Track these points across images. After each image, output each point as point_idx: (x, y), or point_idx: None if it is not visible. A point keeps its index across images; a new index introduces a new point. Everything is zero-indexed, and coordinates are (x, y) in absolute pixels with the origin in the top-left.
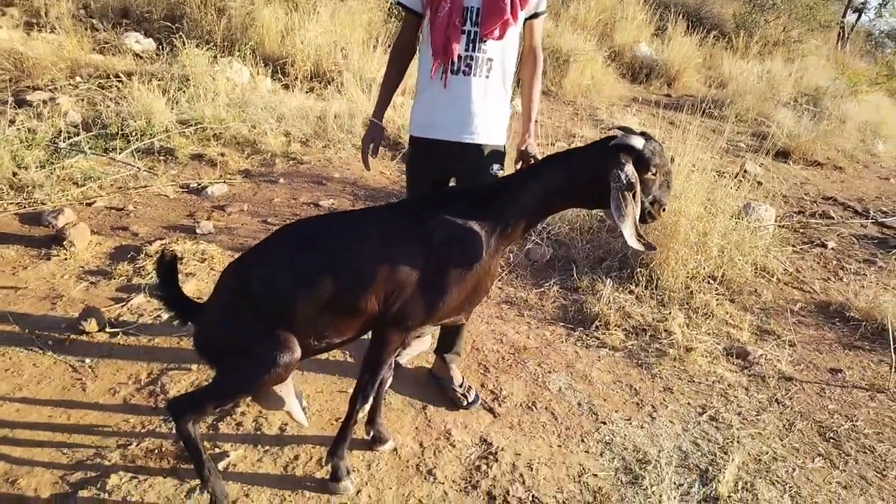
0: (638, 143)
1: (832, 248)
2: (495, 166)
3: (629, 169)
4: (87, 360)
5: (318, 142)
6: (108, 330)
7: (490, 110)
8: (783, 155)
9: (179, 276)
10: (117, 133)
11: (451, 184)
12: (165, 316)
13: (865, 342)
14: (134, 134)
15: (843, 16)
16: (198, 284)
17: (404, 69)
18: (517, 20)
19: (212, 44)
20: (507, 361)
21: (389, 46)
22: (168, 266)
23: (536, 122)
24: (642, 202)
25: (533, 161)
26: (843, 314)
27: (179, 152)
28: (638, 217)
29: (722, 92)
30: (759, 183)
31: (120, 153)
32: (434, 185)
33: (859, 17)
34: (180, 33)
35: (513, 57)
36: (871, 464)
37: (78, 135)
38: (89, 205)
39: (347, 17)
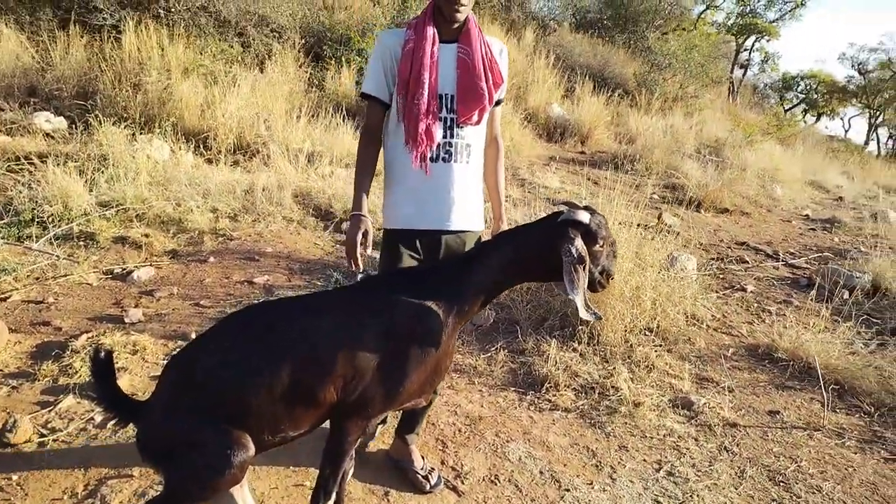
0: (585, 217)
1: (751, 291)
2: None
3: (579, 243)
4: (15, 476)
5: (247, 216)
6: (35, 439)
7: (472, 196)
8: (695, 204)
9: None
10: (32, 219)
11: None
12: (100, 418)
13: (795, 381)
14: (51, 219)
15: (731, 71)
16: (131, 380)
17: (377, 156)
18: (492, 104)
19: (129, 120)
20: (465, 434)
21: (313, 116)
22: (103, 362)
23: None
24: (591, 273)
25: None
26: (771, 355)
27: (101, 236)
28: (587, 287)
29: (632, 147)
30: (677, 233)
31: (36, 241)
32: None
33: (745, 72)
34: (95, 111)
35: (483, 141)
36: (821, 503)
37: None
38: (4, 300)
39: (268, 89)
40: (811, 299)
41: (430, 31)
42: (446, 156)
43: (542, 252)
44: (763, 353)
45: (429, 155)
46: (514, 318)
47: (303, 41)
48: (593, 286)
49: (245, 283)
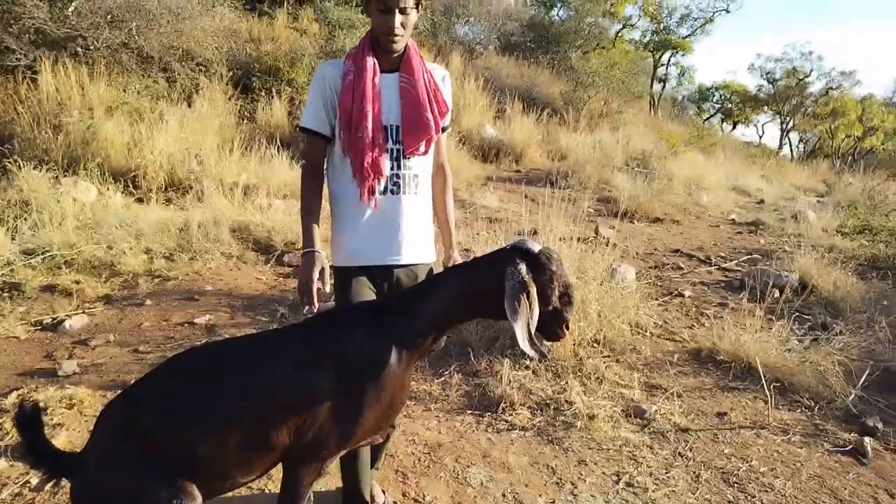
0: (534, 246)
1: (689, 296)
2: None
3: (522, 268)
4: None
5: (183, 255)
6: None
7: (422, 228)
8: (628, 215)
9: (46, 427)
10: None
11: None
12: (36, 481)
13: (738, 382)
14: None
15: (651, 86)
16: (69, 436)
17: (321, 190)
18: (438, 133)
19: (51, 163)
20: (424, 463)
21: (246, 148)
22: (29, 417)
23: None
24: (542, 311)
25: None
26: (713, 358)
27: (27, 286)
28: (534, 324)
29: (564, 164)
30: (614, 245)
31: None
32: None
33: (664, 86)
34: (13, 155)
35: (431, 170)
36: (775, 500)
37: None
38: None
39: (198, 124)
40: (745, 300)
41: (370, 61)
42: (394, 188)
43: (490, 282)
44: (706, 357)
45: (377, 188)
46: (465, 340)
47: (230, 73)
48: (546, 330)
49: (186, 325)
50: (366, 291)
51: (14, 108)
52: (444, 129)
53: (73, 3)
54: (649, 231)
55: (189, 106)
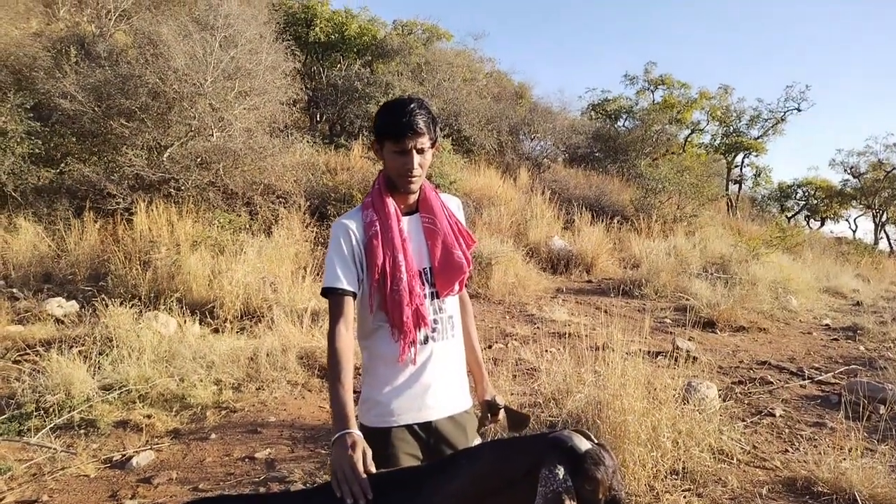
0: (581, 444)
1: (780, 416)
2: (476, 440)
3: (560, 473)
4: None
5: (251, 385)
6: None
7: (460, 373)
8: (709, 325)
9: None
10: (33, 411)
11: None
12: None
13: None
14: (53, 409)
15: (727, 188)
16: None
17: (353, 358)
18: (470, 268)
19: (136, 298)
20: None
21: (318, 274)
22: None
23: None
24: None
25: (503, 410)
26: (811, 489)
27: (101, 421)
28: None
29: (637, 272)
30: (694, 358)
31: (35, 434)
32: None
33: (740, 187)
34: (105, 292)
35: (458, 307)
36: None
37: None
38: None
39: (274, 252)
40: (845, 418)
41: (391, 205)
42: (434, 334)
43: (523, 470)
44: (802, 487)
45: (417, 339)
46: None
47: (308, 203)
48: None
49: (246, 460)
50: (399, 458)
51: (110, 247)
52: None
53: (168, 150)
54: (733, 341)
55: (268, 236)
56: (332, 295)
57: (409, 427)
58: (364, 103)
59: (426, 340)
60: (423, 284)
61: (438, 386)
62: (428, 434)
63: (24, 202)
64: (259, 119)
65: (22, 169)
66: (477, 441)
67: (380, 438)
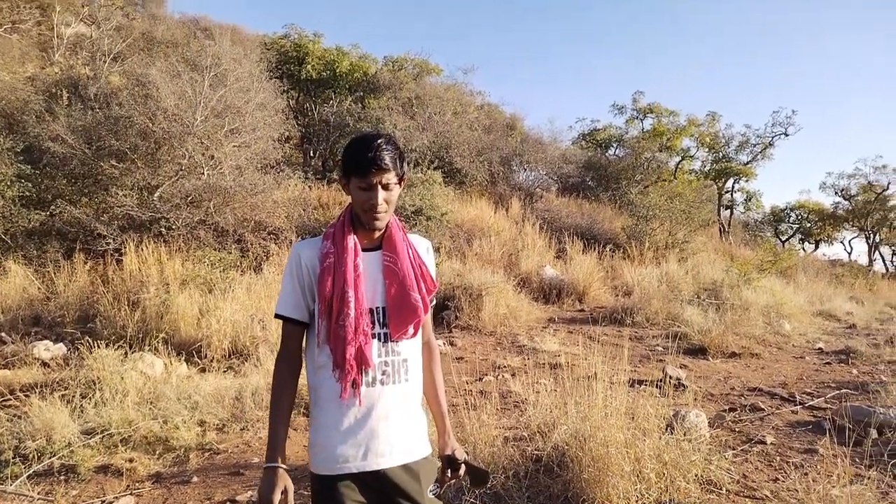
0: None
1: (771, 443)
2: (432, 488)
3: None
4: None
5: (235, 425)
6: None
7: (415, 419)
8: (701, 351)
9: None
10: (13, 458)
11: None
12: None
13: None
14: (32, 455)
15: (718, 213)
16: None
17: (296, 387)
18: (427, 313)
19: (123, 339)
20: None
21: None
22: None
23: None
24: None
25: (463, 465)
26: None
27: (82, 467)
28: None
29: (629, 300)
30: (684, 386)
31: (13, 482)
32: None
33: (731, 212)
34: (87, 336)
35: (419, 351)
36: None
37: None
38: None
39: (263, 289)
40: (833, 445)
41: (351, 240)
42: (383, 377)
43: None
44: None
45: (363, 379)
46: None
47: (299, 238)
48: None
49: (227, 503)
50: None
51: (99, 288)
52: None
53: (159, 190)
54: (725, 368)
55: (258, 272)
56: (281, 320)
57: (356, 476)
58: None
59: (373, 383)
60: (373, 324)
61: (389, 432)
62: (378, 483)
63: (13, 245)
64: (250, 156)
65: (12, 212)
66: (434, 490)
67: (326, 486)
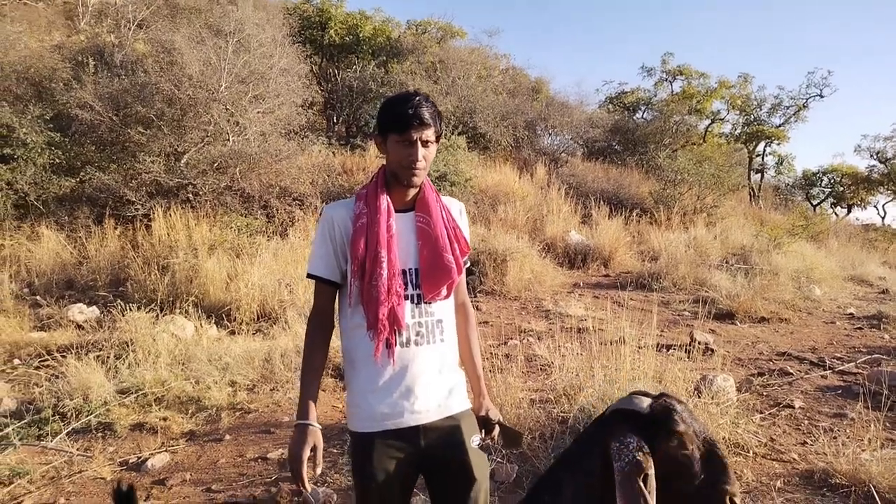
0: (640, 404)
1: (800, 407)
2: (475, 438)
3: (632, 441)
4: None
5: (265, 386)
6: None
7: (452, 378)
8: (729, 316)
9: None
10: (52, 416)
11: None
12: None
13: None
14: (70, 413)
15: (749, 177)
16: None
17: (327, 347)
18: (460, 275)
19: (154, 303)
20: None
21: None
22: (124, 495)
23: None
24: (687, 492)
25: (497, 426)
26: (828, 482)
27: (118, 424)
28: None
29: (656, 265)
30: (712, 350)
31: (53, 438)
32: (400, 489)
33: (762, 176)
34: (119, 300)
35: (453, 312)
36: None
37: (8, 425)
38: None
39: (290, 254)
40: (865, 409)
41: (384, 201)
42: (417, 338)
43: (597, 470)
44: (820, 480)
45: (396, 340)
46: (537, 469)
47: (324, 204)
48: None
49: (259, 460)
50: (388, 464)
51: (130, 253)
52: (464, 266)
53: (185, 156)
54: (753, 333)
55: (284, 238)
56: (313, 280)
57: (394, 432)
58: (379, 103)
59: (407, 343)
60: (406, 286)
61: (425, 390)
62: (419, 438)
63: (45, 211)
64: (274, 122)
65: (43, 179)
66: (476, 441)
67: (365, 444)
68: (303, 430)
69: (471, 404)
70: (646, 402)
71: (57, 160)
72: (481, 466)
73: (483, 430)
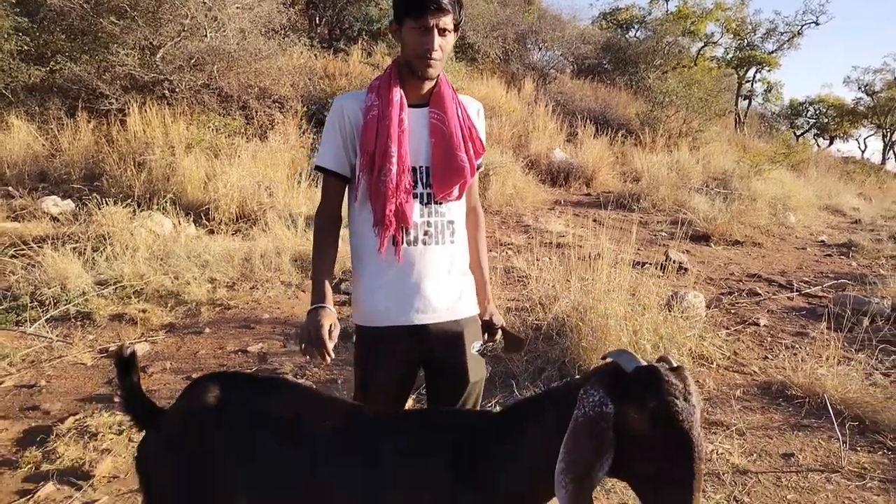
0: (628, 363)
1: (765, 325)
2: (476, 345)
3: (596, 395)
4: None
5: (245, 284)
6: None
7: (460, 280)
8: (704, 238)
9: (95, 452)
10: (30, 303)
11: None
12: (79, 503)
13: (812, 419)
14: (48, 302)
15: (735, 104)
16: (114, 461)
17: (338, 238)
18: (473, 176)
19: (130, 199)
20: None
21: (314, 180)
22: (126, 363)
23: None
24: (634, 465)
25: (500, 331)
26: (785, 393)
27: (97, 314)
28: (593, 485)
29: (637, 186)
30: (686, 269)
31: (32, 325)
32: (398, 384)
33: (750, 103)
34: (94, 194)
35: (464, 214)
36: None
37: None
38: None
39: (269, 157)
40: (827, 329)
41: (397, 94)
42: (426, 237)
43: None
44: (777, 391)
45: (403, 238)
46: (510, 371)
47: (304, 109)
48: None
49: (239, 353)
50: (390, 359)
51: (105, 148)
52: (478, 168)
53: (161, 51)
54: (727, 255)
55: (263, 140)
56: (322, 172)
57: (399, 328)
58: (364, 6)
59: (414, 242)
60: (416, 183)
61: (431, 291)
62: (421, 337)
63: (14, 100)
64: (254, 19)
65: (11, 66)
66: (477, 347)
67: (368, 339)
68: (319, 310)
69: (477, 310)
70: (633, 363)
71: (25, 47)
72: (477, 371)
73: (486, 334)
